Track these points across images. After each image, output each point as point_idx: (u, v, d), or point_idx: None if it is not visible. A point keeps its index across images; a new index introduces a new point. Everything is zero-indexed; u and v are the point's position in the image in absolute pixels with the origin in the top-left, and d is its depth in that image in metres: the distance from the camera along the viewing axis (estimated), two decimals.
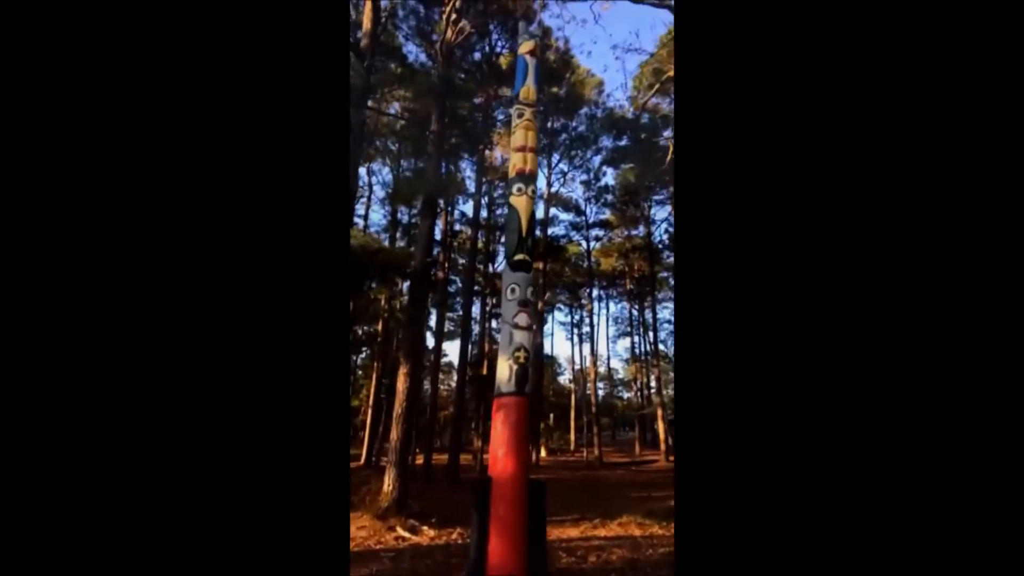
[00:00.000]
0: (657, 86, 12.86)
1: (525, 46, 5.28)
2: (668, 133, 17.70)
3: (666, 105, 17.42)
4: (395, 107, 15.23)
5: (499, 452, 3.90)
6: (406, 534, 6.46)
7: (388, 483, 7.17)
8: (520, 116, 4.99)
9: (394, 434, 7.54)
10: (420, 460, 14.02)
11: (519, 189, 4.72)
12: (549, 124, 18.49)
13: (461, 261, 19.77)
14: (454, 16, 10.58)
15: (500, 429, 3.98)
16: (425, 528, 6.73)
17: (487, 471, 3.93)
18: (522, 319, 4.27)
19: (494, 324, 20.53)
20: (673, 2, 8.78)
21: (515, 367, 4.10)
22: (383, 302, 17.70)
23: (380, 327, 17.78)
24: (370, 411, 16.83)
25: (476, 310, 18.17)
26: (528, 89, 5.08)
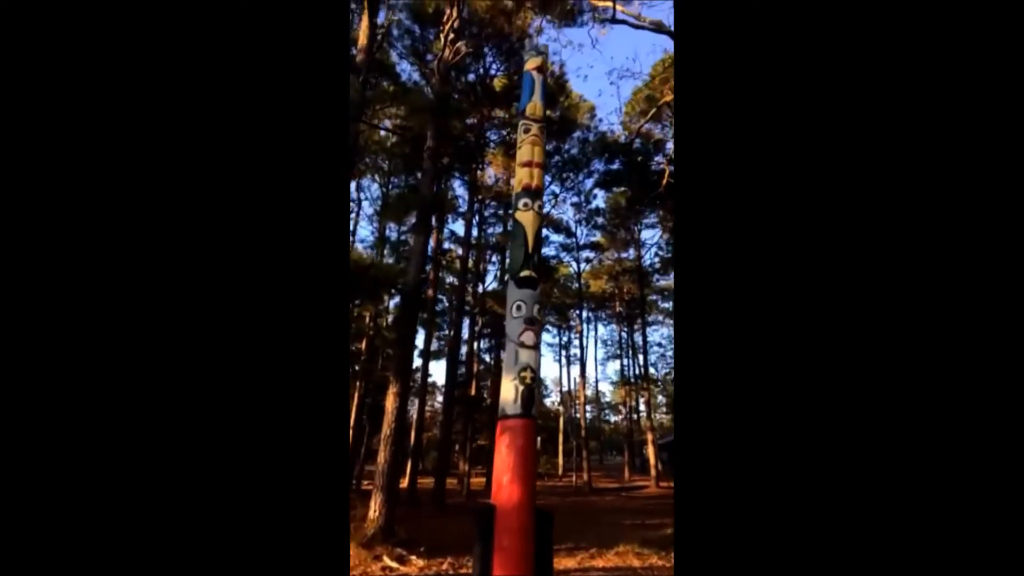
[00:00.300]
0: (652, 112, 13.01)
1: (532, 62, 5.23)
2: (660, 158, 17.97)
3: (658, 131, 17.68)
4: (386, 124, 15.22)
5: (504, 479, 3.68)
6: (394, 564, 6.12)
7: (374, 509, 6.83)
8: (527, 131, 4.90)
9: (381, 456, 7.21)
10: (403, 484, 13.55)
11: (525, 204, 4.60)
12: None
13: (449, 280, 19.60)
14: (452, 36, 10.64)
15: (505, 454, 3.76)
16: (413, 557, 6.38)
17: (491, 497, 3.70)
18: (528, 337, 4.10)
19: (483, 344, 20.31)
20: (673, 27, 8.91)
21: (521, 388, 3.91)
22: (368, 319, 17.35)
23: (364, 345, 17.38)
24: (351, 431, 16.32)
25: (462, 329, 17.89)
26: (535, 105, 5.01)
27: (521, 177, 4.73)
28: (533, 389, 3.95)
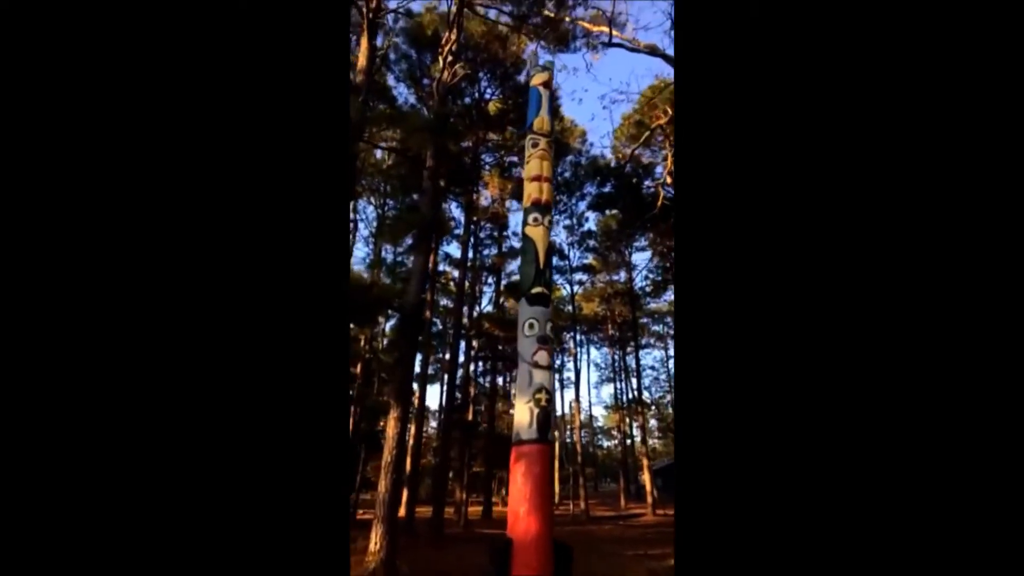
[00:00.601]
0: (645, 136, 13.10)
1: (538, 77, 5.18)
2: (649, 182, 18.10)
3: (648, 156, 17.84)
4: (384, 146, 15.23)
5: (520, 509, 3.44)
6: None
7: (375, 540, 6.45)
8: (535, 146, 4.81)
9: (382, 485, 6.87)
10: (400, 513, 13.04)
11: (535, 219, 4.48)
12: None
13: (443, 302, 19.37)
14: (450, 58, 10.69)
15: (521, 482, 3.53)
16: None
17: (507, 530, 3.46)
18: (542, 357, 3.91)
19: (479, 367, 19.97)
20: (666, 51, 9.01)
21: (536, 411, 3.71)
22: (363, 343, 17.00)
23: (359, 369, 17.00)
24: None
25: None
26: (542, 120, 4.94)
27: (530, 192, 4.62)
28: (549, 412, 3.75)
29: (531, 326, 4.03)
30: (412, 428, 13.65)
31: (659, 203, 12.68)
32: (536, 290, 4.18)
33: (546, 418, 3.69)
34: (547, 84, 5.13)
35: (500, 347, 17.80)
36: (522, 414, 3.74)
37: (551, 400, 3.80)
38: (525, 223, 4.51)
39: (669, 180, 13.89)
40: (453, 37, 10.54)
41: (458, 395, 16.55)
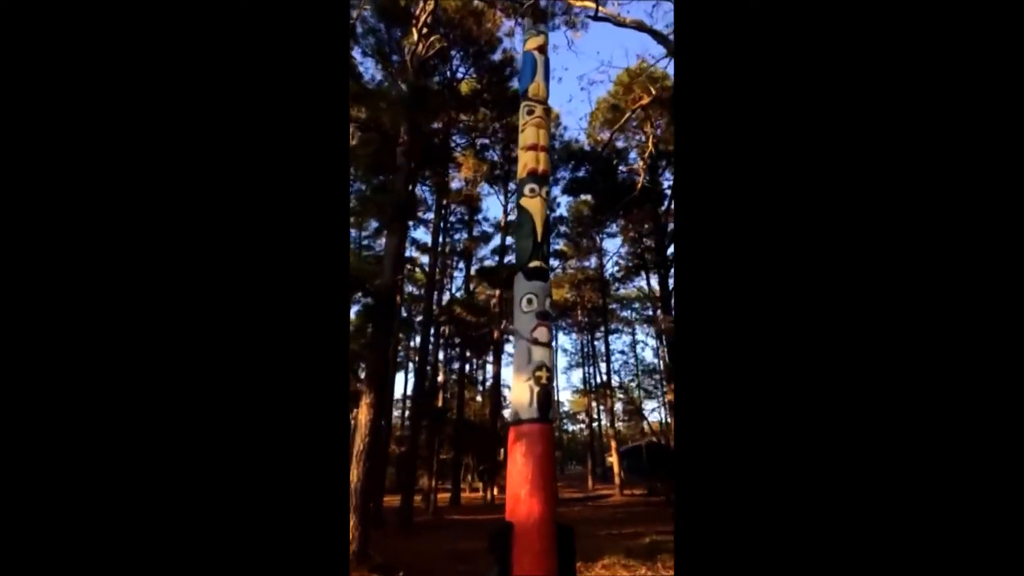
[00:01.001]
0: (625, 118, 12.99)
1: (533, 42, 4.91)
2: (623, 167, 18.07)
3: (621, 142, 17.77)
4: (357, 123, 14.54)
5: (521, 492, 3.24)
6: None
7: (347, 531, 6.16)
8: (530, 113, 4.55)
9: (354, 474, 6.56)
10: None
11: (532, 190, 4.23)
12: (506, 152, 18.39)
13: (409, 289, 18.91)
14: (425, 30, 10.21)
15: (521, 464, 3.33)
16: None
17: (507, 514, 3.26)
18: (541, 334, 3.70)
19: (448, 353, 19.65)
20: (652, 27, 8.86)
21: (536, 389, 3.50)
22: None
23: None
24: None
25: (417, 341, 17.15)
26: (538, 86, 4.68)
27: (526, 161, 4.37)
28: (550, 390, 3.55)
29: (529, 301, 3.81)
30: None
31: (638, 187, 12.62)
32: (534, 264, 3.96)
33: (547, 396, 3.50)
34: (542, 49, 4.86)
35: (470, 333, 17.55)
36: (521, 393, 3.53)
37: (551, 378, 3.61)
38: (521, 194, 4.26)
39: (644, 165, 13.84)
40: (429, 7, 10.08)
41: (427, 382, 16.22)
